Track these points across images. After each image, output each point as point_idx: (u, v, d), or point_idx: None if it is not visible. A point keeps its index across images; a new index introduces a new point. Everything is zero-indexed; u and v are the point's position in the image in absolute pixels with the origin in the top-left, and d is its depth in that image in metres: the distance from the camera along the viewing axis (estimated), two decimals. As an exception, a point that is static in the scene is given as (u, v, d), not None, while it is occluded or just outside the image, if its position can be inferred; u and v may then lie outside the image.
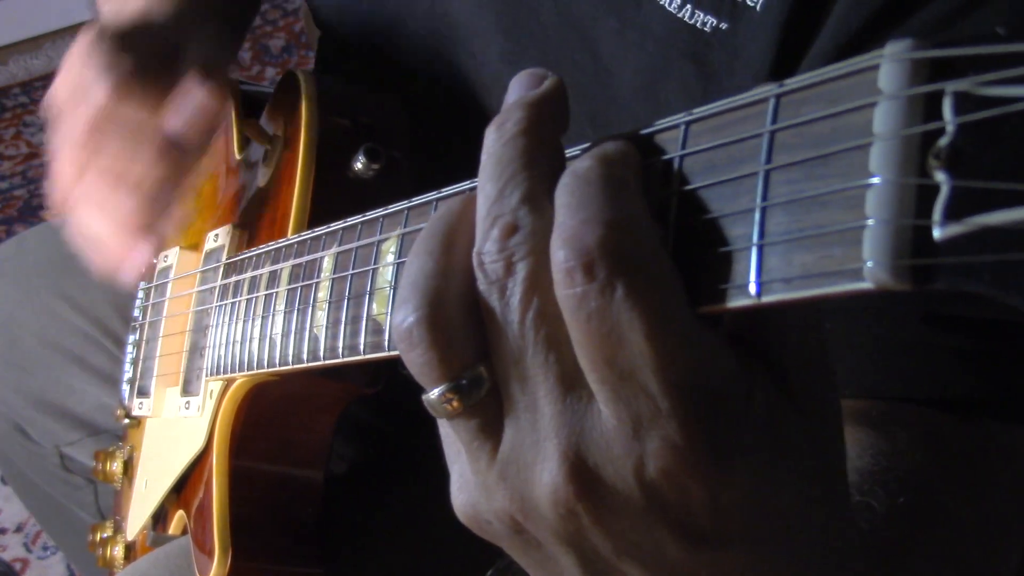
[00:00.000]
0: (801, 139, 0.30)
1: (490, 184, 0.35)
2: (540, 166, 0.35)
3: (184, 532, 0.88)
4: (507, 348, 0.34)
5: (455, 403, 0.35)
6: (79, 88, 0.71)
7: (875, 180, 0.27)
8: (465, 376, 0.35)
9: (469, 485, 0.38)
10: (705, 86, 0.62)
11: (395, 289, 0.51)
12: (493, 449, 0.36)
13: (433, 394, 0.35)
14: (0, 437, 1.13)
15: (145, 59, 0.72)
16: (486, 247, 0.34)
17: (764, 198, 0.31)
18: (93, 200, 0.72)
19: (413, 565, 0.81)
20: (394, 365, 0.73)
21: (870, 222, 0.27)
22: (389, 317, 0.51)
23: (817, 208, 0.29)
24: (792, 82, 0.31)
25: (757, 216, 0.31)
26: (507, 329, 0.34)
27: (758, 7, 0.58)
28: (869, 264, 0.27)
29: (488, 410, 0.35)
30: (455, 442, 0.38)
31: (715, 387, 0.32)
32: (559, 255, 0.32)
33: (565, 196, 0.33)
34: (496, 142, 0.36)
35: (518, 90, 0.37)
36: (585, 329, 0.32)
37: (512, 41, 0.71)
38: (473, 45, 0.74)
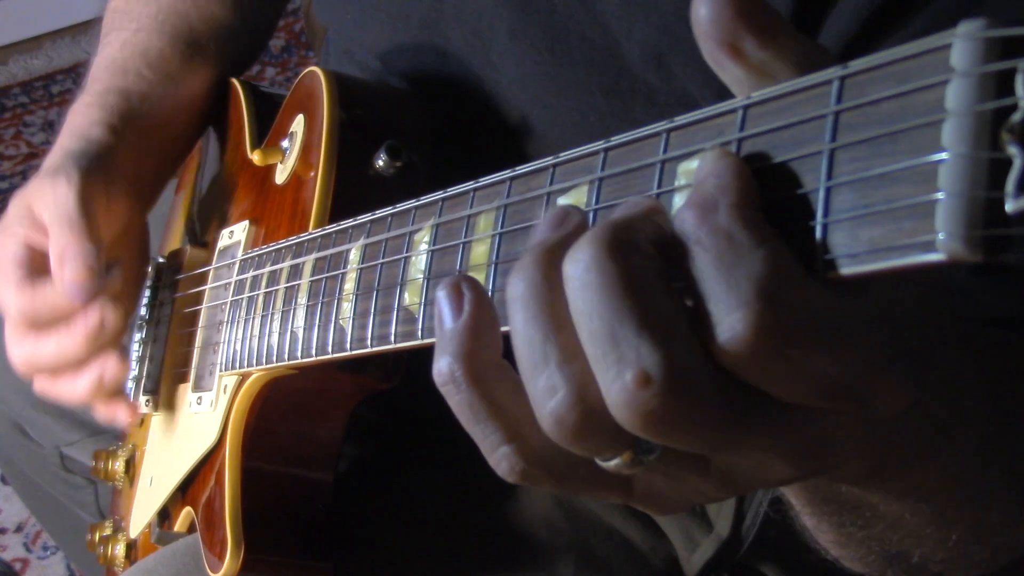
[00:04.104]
0: (867, 119, 0.31)
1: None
2: None
3: (190, 529, 0.88)
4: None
5: (638, 467, 0.37)
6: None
7: (948, 155, 0.28)
8: (639, 449, 0.36)
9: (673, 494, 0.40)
10: None
11: (429, 279, 0.51)
12: (699, 472, 0.38)
13: (613, 463, 0.37)
14: (0, 437, 1.12)
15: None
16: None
17: (829, 177, 0.32)
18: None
19: (420, 558, 0.81)
20: (409, 360, 0.74)
21: (942, 195, 0.28)
22: (422, 307, 0.51)
23: (886, 184, 0.30)
24: (857, 64, 0.32)
25: (821, 195, 0.32)
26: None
27: None
28: (941, 236, 0.28)
29: (674, 457, 0.37)
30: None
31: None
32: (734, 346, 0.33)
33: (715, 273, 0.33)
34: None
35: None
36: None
37: (520, 18, 0.71)
38: (480, 23, 0.74)
